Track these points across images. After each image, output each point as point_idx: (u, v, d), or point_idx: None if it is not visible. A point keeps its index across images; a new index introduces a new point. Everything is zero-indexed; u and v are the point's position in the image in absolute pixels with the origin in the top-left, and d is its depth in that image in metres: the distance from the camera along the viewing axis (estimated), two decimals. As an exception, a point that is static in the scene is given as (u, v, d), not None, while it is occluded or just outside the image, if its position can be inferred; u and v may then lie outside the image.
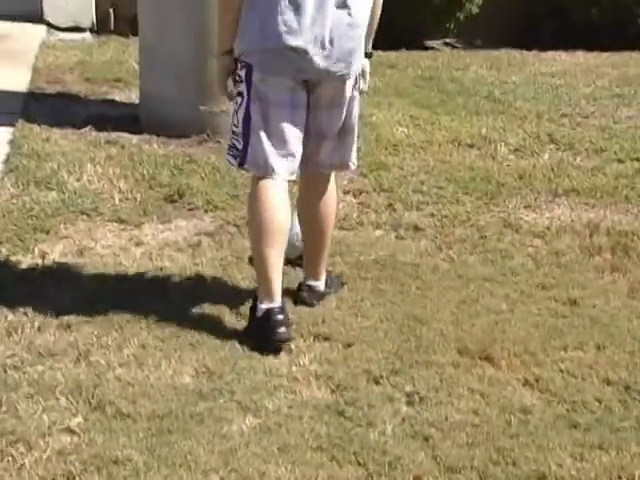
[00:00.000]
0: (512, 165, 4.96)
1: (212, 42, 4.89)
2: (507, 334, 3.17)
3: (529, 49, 8.02)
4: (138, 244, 3.78)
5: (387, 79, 6.69)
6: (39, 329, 3.05)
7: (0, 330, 3.03)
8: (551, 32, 8.25)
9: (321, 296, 3.37)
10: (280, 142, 3.05)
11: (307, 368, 2.92)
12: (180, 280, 3.47)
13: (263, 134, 3.04)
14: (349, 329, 3.16)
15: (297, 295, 3.34)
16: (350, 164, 3.31)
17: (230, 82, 3.13)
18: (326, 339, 3.10)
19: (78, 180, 4.35)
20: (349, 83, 3.12)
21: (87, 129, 5.07)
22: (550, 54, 7.85)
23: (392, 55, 7.52)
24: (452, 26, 8.37)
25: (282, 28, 2.95)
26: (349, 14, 3.00)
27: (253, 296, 3.15)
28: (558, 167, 4.95)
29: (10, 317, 3.11)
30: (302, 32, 2.95)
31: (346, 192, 4.44)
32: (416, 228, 4.06)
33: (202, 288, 3.42)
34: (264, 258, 3.09)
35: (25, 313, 3.14)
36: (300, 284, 3.38)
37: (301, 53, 2.97)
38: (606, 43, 8.01)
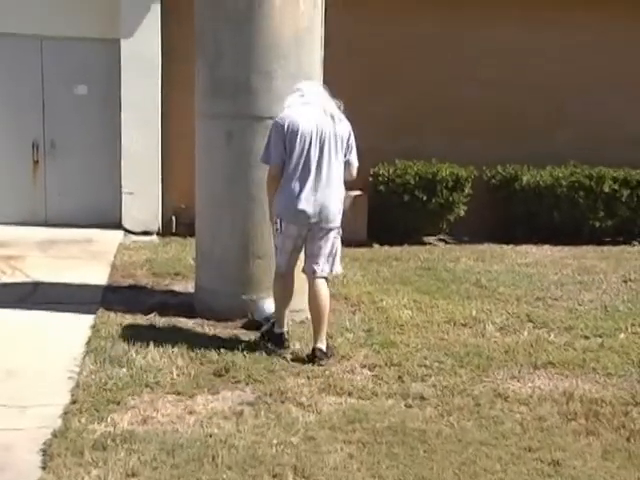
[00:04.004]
0: (498, 341, 4.92)
1: (253, 246, 5.09)
2: (502, 493, 3.05)
3: (507, 244, 8.14)
4: (191, 413, 3.73)
5: (393, 269, 6.78)
6: (109, 490, 2.98)
7: (76, 492, 2.96)
8: (523, 230, 8.40)
9: (325, 354, 4.41)
10: (287, 255, 4.50)
11: (334, 525, 2.80)
12: (226, 445, 3.38)
13: (281, 251, 4.51)
14: (368, 489, 3.06)
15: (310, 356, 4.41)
16: (335, 271, 4.56)
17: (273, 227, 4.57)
18: (349, 499, 2.99)
19: (144, 358, 4.35)
20: (332, 232, 4.47)
21: (152, 315, 5.13)
22: (523, 247, 7.95)
23: (397, 250, 7.67)
24: (444, 226, 8.54)
25: (293, 200, 4.36)
26: (328, 203, 4.39)
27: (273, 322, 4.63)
28: (536, 343, 4.90)
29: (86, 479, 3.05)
30: (303, 203, 4.36)
31: (363, 366, 4.41)
32: (422, 397, 3.98)
33: (245, 452, 3.33)
34: (279, 308, 4.61)
35: (98, 476, 3.07)
36: (313, 348, 4.45)
37: (303, 213, 4.38)
38: (566, 240, 8.15)
